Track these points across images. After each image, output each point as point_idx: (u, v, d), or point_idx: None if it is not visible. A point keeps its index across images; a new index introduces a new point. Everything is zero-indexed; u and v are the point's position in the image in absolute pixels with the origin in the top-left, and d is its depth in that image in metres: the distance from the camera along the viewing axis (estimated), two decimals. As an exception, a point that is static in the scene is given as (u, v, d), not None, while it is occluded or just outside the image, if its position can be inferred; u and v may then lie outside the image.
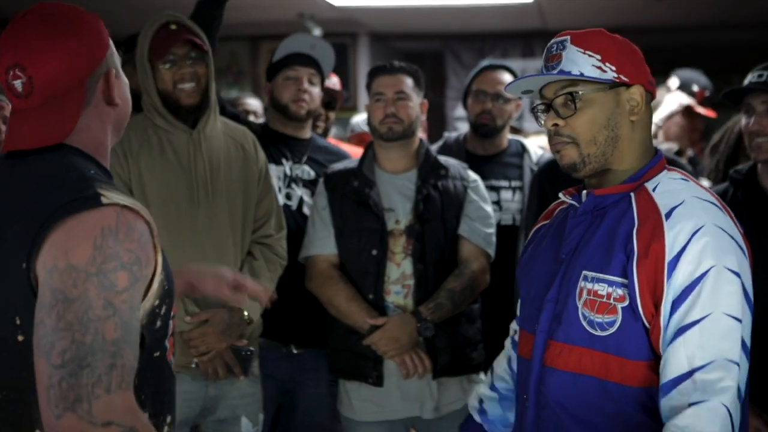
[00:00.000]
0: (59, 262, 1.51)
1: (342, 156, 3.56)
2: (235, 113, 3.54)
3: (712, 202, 1.94)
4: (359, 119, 6.15)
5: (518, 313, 2.26)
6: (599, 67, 1.98)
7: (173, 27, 2.93)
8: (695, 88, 4.65)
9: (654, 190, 1.97)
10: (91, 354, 1.48)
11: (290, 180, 3.40)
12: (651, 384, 1.90)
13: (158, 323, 1.68)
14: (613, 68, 1.98)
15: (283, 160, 3.41)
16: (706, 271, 1.83)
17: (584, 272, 1.96)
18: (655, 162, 2.03)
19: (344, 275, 3.14)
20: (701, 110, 4.65)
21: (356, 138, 4.79)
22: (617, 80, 1.98)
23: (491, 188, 3.64)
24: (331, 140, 4.15)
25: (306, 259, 3.20)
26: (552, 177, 3.36)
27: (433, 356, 3.07)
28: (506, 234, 3.59)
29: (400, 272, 3.10)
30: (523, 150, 3.80)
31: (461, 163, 3.32)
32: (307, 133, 3.55)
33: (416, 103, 3.18)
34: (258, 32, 7.21)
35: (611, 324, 1.90)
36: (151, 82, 2.93)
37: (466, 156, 3.68)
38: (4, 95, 1.81)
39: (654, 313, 1.86)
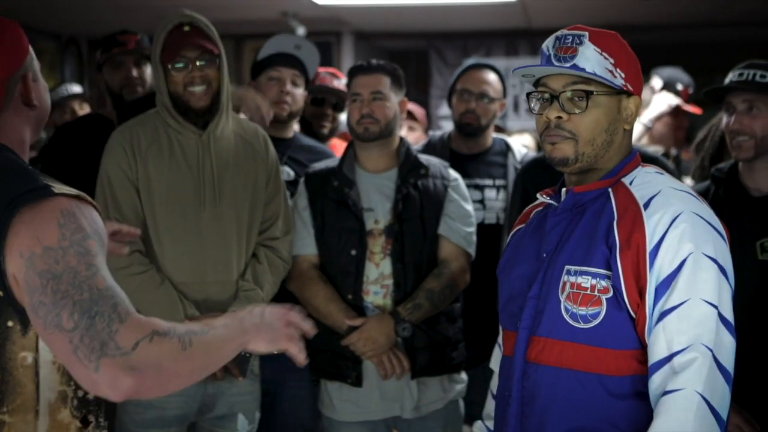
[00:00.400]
0: (35, 248, 1.61)
1: (325, 155, 3.54)
2: None
3: (687, 192, 2.00)
4: (343, 117, 6.14)
5: (499, 315, 2.26)
6: (611, 71, 2.00)
7: (186, 29, 2.91)
8: (680, 87, 4.67)
9: (631, 183, 2.02)
10: (95, 303, 1.59)
11: None
12: (634, 372, 1.93)
13: None
14: (623, 75, 2.01)
15: None
16: (685, 258, 1.88)
17: (567, 267, 1.98)
18: (630, 158, 2.07)
19: (324, 275, 3.13)
20: (689, 108, 4.67)
21: (342, 137, 4.80)
22: (624, 88, 2.02)
23: (475, 187, 3.64)
24: (337, 141, 4.16)
25: (286, 260, 3.19)
26: (535, 175, 3.37)
27: (412, 356, 3.07)
28: (490, 233, 3.59)
29: (379, 272, 3.09)
30: (507, 149, 3.80)
31: (442, 161, 3.31)
32: (289, 132, 3.54)
33: (394, 103, 3.16)
34: (242, 31, 7.19)
35: (595, 316, 1.93)
36: (163, 83, 2.93)
37: (451, 155, 3.68)
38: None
39: (639, 302, 1.90)
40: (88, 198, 1.73)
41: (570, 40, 2.00)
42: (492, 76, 3.72)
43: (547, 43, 2.05)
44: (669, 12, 6.72)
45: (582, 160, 2.02)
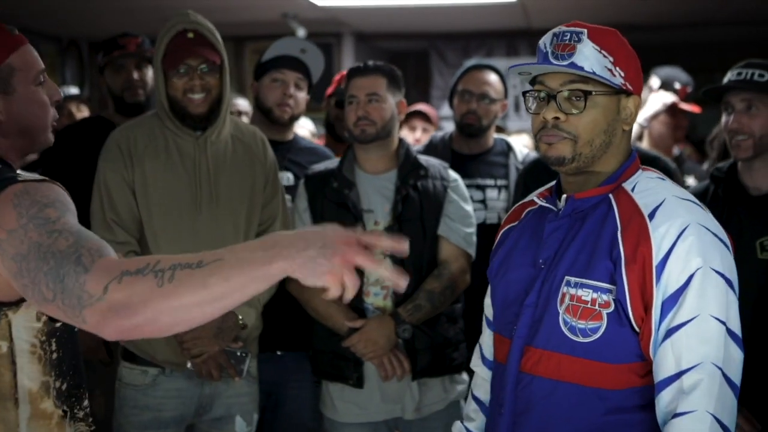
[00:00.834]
0: (1, 235, 1.65)
1: (324, 156, 3.55)
2: None
3: (692, 201, 1.94)
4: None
5: (489, 316, 2.23)
6: (610, 70, 1.93)
7: (190, 35, 2.90)
8: (677, 86, 4.67)
9: (633, 190, 1.96)
10: (60, 266, 1.58)
11: None
12: (633, 386, 1.90)
13: None
14: (622, 74, 1.95)
15: None
16: (693, 273, 1.83)
17: (567, 277, 1.93)
18: (630, 162, 2.01)
19: (325, 277, 3.13)
20: (686, 107, 4.67)
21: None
22: (623, 87, 1.95)
23: (477, 187, 3.65)
24: None
25: (287, 261, 3.19)
26: (537, 176, 3.37)
27: (413, 357, 3.07)
28: (492, 233, 3.56)
29: (378, 273, 3.08)
30: (508, 149, 3.81)
31: (442, 162, 3.31)
32: (289, 135, 3.55)
33: (391, 104, 3.16)
34: (242, 32, 7.20)
35: (595, 330, 1.89)
36: (162, 87, 2.93)
37: (452, 155, 3.69)
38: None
39: (644, 317, 1.86)
40: (53, 181, 1.76)
41: (568, 37, 1.94)
42: (493, 77, 3.74)
43: (545, 40, 1.98)
44: (668, 11, 6.72)
45: (579, 160, 1.95)
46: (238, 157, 3.01)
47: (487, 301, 2.25)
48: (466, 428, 2.26)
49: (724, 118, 2.93)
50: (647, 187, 1.96)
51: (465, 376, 3.26)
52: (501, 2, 6.39)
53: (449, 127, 4.93)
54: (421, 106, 5.37)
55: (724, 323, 1.84)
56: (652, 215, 1.88)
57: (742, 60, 2.94)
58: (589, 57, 1.92)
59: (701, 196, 2.90)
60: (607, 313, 1.88)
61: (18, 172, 1.78)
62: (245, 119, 4.26)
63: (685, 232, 1.84)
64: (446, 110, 5.81)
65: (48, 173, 2.49)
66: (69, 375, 1.86)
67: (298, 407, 3.37)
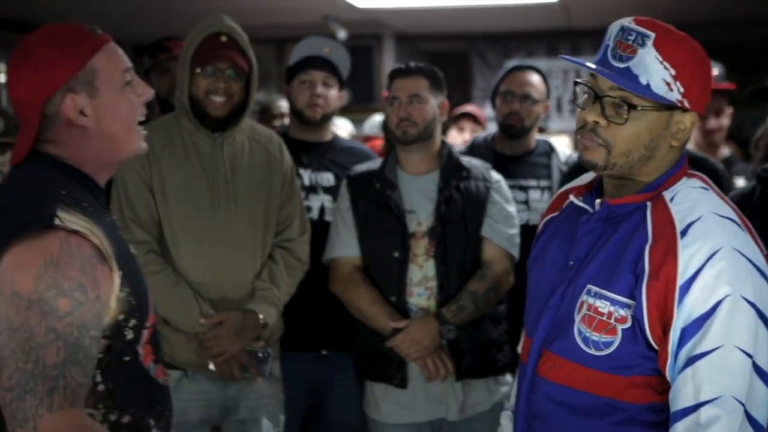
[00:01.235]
0: (5, 287, 1.62)
1: (366, 156, 3.55)
2: None
3: (731, 219, 1.81)
4: (372, 121, 6.18)
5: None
6: (668, 84, 1.79)
7: (223, 39, 2.93)
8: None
9: (671, 200, 1.84)
10: (33, 380, 1.58)
11: (309, 190, 3.39)
12: (650, 401, 1.82)
13: (129, 335, 1.76)
14: (682, 90, 1.79)
15: (301, 170, 3.39)
16: (721, 300, 1.71)
17: (589, 285, 1.85)
18: (676, 169, 1.89)
19: (367, 277, 3.14)
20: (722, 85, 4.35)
21: (365, 141, 4.84)
22: (679, 104, 1.80)
23: (520, 188, 3.64)
24: None
25: (329, 261, 3.21)
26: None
27: (457, 358, 3.07)
28: (534, 234, 3.57)
29: (422, 274, 3.10)
30: (551, 150, 3.79)
31: (484, 163, 3.31)
32: (327, 135, 3.54)
33: (433, 105, 3.16)
34: (283, 35, 7.23)
35: (608, 345, 1.81)
36: (186, 84, 2.95)
37: (494, 156, 3.68)
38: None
39: (662, 337, 1.76)
40: (92, 237, 1.69)
41: (633, 37, 1.79)
42: (535, 78, 3.72)
43: (611, 30, 1.84)
44: (713, 10, 6.66)
45: (613, 168, 1.83)
46: (255, 158, 3.02)
47: None
48: (515, 415, 2.18)
49: (771, 118, 2.89)
50: (687, 199, 1.84)
51: (509, 377, 3.25)
52: (542, 2, 6.38)
53: (491, 127, 4.93)
54: (469, 108, 5.37)
55: (750, 356, 1.70)
56: (684, 232, 1.77)
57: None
58: (649, 66, 1.78)
59: (748, 197, 2.86)
60: (623, 329, 1.79)
61: (58, 213, 1.67)
62: (287, 121, 4.28)
63: (716, 255, 1.72)
64: (488, 111, 5.81)
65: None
66: (126, 406, 1.77)
67: (343, 407, 3.38)
